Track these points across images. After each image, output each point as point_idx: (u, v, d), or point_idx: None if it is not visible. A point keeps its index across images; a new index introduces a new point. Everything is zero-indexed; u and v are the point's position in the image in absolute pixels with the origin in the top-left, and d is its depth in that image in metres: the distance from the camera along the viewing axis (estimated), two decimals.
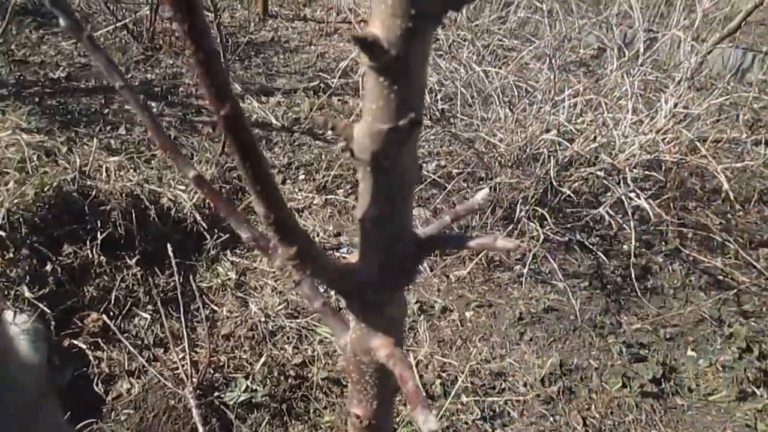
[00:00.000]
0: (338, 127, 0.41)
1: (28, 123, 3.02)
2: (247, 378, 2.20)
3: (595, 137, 2.86)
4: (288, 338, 2.39)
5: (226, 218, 0.52)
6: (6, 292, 2.16)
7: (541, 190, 2.92)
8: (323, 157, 3.49)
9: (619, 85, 3.09)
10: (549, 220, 2.82)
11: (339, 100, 4.11)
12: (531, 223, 2.89)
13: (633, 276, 2.78)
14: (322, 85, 4.18)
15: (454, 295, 2.76)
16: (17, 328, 2.11)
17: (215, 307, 2.49)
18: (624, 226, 2.94)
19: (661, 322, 2.71)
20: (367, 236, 0.47)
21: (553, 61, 2.96)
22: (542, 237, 2.81)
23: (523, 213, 2.89)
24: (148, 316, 2.36)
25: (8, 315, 2.15)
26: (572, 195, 2.90)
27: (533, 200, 2.91)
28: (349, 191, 3.29)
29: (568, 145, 2.82)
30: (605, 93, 3.08)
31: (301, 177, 3.36)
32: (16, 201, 2.28)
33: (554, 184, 2.81)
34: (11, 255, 2.21)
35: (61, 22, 0.46)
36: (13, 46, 4.08)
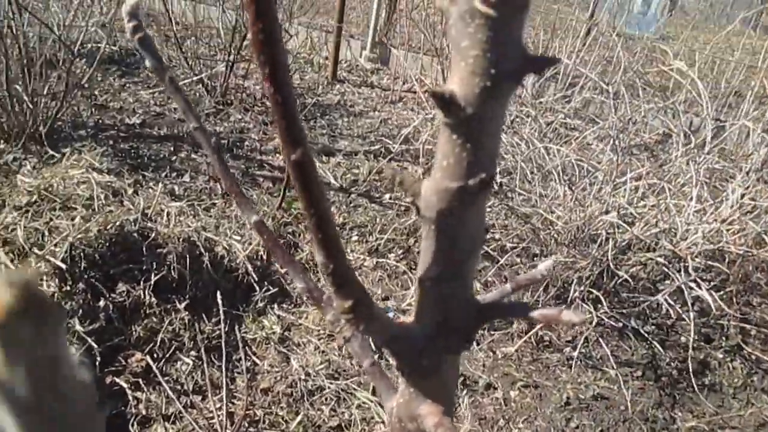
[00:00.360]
0: (406, 182, 0.40)
1: (100, 163, 3.15)
2: None
3: (656, 222, 2.79)
4: (326, 399, 2.34)
5: (283, 266, 0.51)
6: None
7: (597, 272, 2.84)
8: (378, 220, 3.50)
9: (683, 171, 3.03)
10: (603, 304, 2.74)
11: (398, 165, 4.16)
12: (585, 305, 2.81)
13: (690, 370, 2.65)
14: (383, 150, 4.24)
15: (499, 372, 2.68)
16: None
17: (257, 360, 2.48)
18: (683, 316, 2.82)
19: (719, 422, 2.55)
20: (426, 296, 0.45)
21: (616, 142, 2.94)
22: (595, 320, 2.72)
23: (577, 293, 2.81)
24: (191, 362, 2.36)
25: None
26: (629, 279, 2.82)
27: (588, 281, 2.84)
28: (401, 256, 3.28)
29: (628, 228, 2.76)
30: (669, 178, 3.02)
31: (354, 238, 3.38)
32: (79, 236, 2.36)
33: (611, 266, 2.74)
34: (68, 288, 2.27)
35: (147, 62, 0.48)
36: (96, 92, 4.32)
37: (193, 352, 2.40)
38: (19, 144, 3.38)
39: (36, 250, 2.32)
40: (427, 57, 5.62)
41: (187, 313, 2.48)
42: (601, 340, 2.77)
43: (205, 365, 2.33)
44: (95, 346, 2.22)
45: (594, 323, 2.73)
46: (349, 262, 0.39)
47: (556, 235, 2.97)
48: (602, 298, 2.73)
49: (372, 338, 0.47)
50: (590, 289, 2.82)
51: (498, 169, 3.04)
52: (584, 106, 4.11)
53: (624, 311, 2.95)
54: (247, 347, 2.51)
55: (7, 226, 2.43)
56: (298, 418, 2.23)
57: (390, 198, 3.73)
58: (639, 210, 2.87)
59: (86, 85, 4.06)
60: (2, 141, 3.43)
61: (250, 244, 2.92)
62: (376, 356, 0.55)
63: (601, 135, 3.38)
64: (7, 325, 0.18)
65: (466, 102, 0.35)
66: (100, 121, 3.95)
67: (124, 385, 2.22)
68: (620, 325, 2.93)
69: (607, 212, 2.83)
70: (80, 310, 2.26)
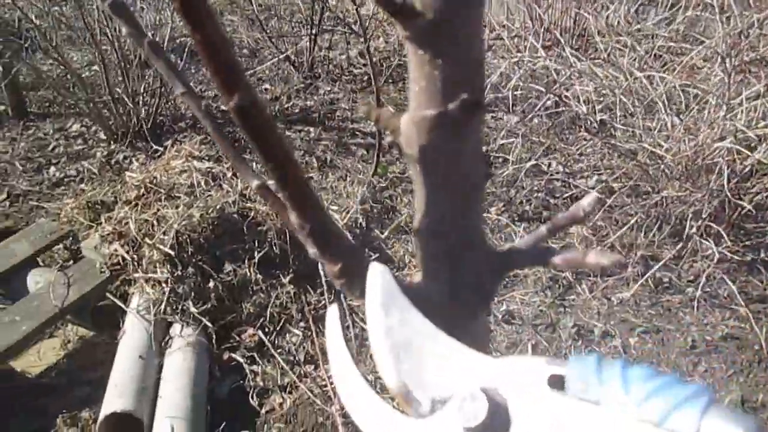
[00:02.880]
0: (383, 117, 0.35)
1: (199, 151, 3.27)
2: (393, 400, 2.18)
3: None
4: None
5: (295, 232, 0.48)
6: (174, 307, 2.33)
7: (715, 204, 2.62)
8: None
9: None
10: (726, 238, 2.52)
11: (492, 116, 4.02)
12: (704, 241, 2.60)
13: None
14: None
15: (616, 319, 2.55)
16: (183, 340, 2.26)
17: (364, 326, 2.51)
18: None
19: None
20: (425, 250, 0.40)
21: (727, 61, 2.66)
22: (717, 256, 2.51)
23: (694, 230, 2.60)
24: (300, 333, 2.43)
25: (176, 328, 2.32)
26: (753, 210, 2.57)
27: (706, 215, 2.62)
28: (502, 209, 3.18)
29: (749, 153, 2.51)
30: None
31: None
32: (184, 223, 2.46)
33: (730, 197, 2.51)
34: (179, 272, 2.39)
35: (123, 29, 0.46)
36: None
37: (302, 324, 2.46)
38: (127, 143, 3.59)
39: (147, 240, 2.45)
40: None
41: (292, 286, 2.54)
42: (725, 277, 2.55)
43: (314, 335, 2.39)
44: (210, 325, 2.32)
45: (716, 259, 2.52)
46: (332, 219, 0.35)
47: (666, 170, 2.76)
48: (723, 233, 2.51)
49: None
50: (709, 224, 2.61)
51: (598, 107, 2.83)
52: (689, 27, 3.76)
53: (750, 243, 2.70)
54: (353, 314, 2.54)
55: (121, 220, 2.58)
56: None
57: (487, 150, 3.61)
58: (759, 132, 2.59)
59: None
60: (112, 141, 3.65)
61: (348, 212, 2.93)
62: None
63: (707, 56, 3.07)
64: None
65: (424, 5, 0.29)
66: None
67: (241, 360, 2.32)
68: (748, 258, 2.69)
69: (722, 138, 2.58)
70: (192, 293, 2.37)
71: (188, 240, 2.44)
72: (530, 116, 3.38)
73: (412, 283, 0.43)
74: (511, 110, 3.40)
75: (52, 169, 3.49)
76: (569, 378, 0.33)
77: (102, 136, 3.73)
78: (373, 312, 0.38)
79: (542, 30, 4.03)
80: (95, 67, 4.26)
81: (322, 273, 2.53)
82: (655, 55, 3.36)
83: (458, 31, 0.31)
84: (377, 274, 0.38)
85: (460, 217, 0.38)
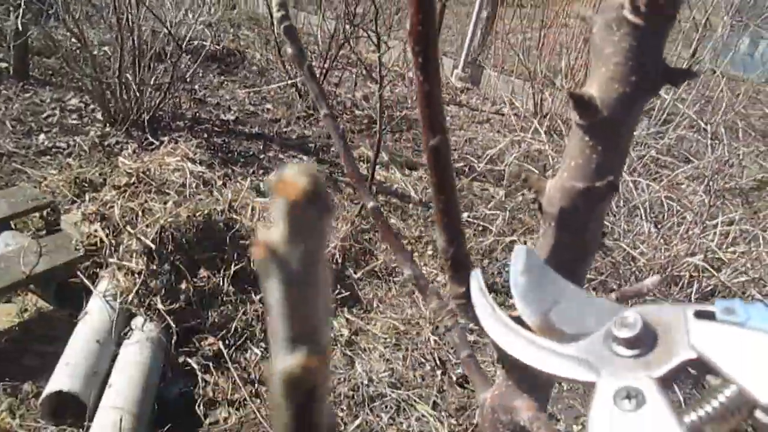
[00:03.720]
0: (531, 179, 0.42)
1: (194, 154, 3.30)
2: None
3: (745, 270, 2.67)
4: (386, 407, 2.36)
5: (393, 252, 0.53)
6: (142, 299, 2.32)
7: None
8: None
9: None
10: None
11: (479, 186, 4.15)
12: None
13: None
14: (466, 169, 4.25)
15: (563, 403, 2.62)
16: (143, 334, 2.25)
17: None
18: None
19: None
20: None
21: (710, 183, 2.84)
22: None
23: None
24: (260, 353, 2.43)
25: (139, 321, 2.31)
26: None
27: None
28: None
29: (714, 273, 2.65)
30: (764, 227, 2.88)
31: (429, 252, 3.39)
32: (170, 219, 2.47)
33: None
34: (155, 267, 2.38)
35: (289, 49, 0.51)
36: (196, 86, 4.53)
37: (262, 344, 2.47)
38: (123, 129, 3.59)
39: (129, 229, 2.45)
40: (519, 80, 5.59)
41: (261, 305, 2.55)
42: (676, 387, 2.66)
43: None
44: (173, 325, 2.31)
45: None
46: (468, 251, 0.41)
47: (637, 272, 2.89)
48: None
49: (479, 326, 0.48)
50: None
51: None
52: (677, 144, 3.98)
53: None
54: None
55: (106, 203, 2.58)
56: (357, 422, 2.25)
57: (469, 216, 3.72)
58: (728, 255, 2.75)
59: (188, 79, 4.26)
60: (108, 124, 3.64)
61: (326, 248, 2.97)
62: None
63: (693, 175, 3.26)
64: (298, 205, 0.21)
65: (603, 105, 0.36)
66: (198, 115, 4.13)
67: (195, 367, 2.30)
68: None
69: (693, 254, 2.73)
70: (163, 290, 2.36)
71: (170, 237, 2.45)
72: (518, 194, 3.51)
73: (512, 315, 0.49)
74: (501, 185, 3.53)
75: (42, 136, 3.47)
76: (718, 308, 0.38)
77: (99, 116, 3.72)
78: (516, 271, 0.43)
79: (545, 118, 4.22)
80: (105, 48, 4.29)
81: None
82: (644, 163, 3.54)
83: (621, 128, 0.38)
84: (522, 249, 0.44)
85: (574, 270, 0.44)
